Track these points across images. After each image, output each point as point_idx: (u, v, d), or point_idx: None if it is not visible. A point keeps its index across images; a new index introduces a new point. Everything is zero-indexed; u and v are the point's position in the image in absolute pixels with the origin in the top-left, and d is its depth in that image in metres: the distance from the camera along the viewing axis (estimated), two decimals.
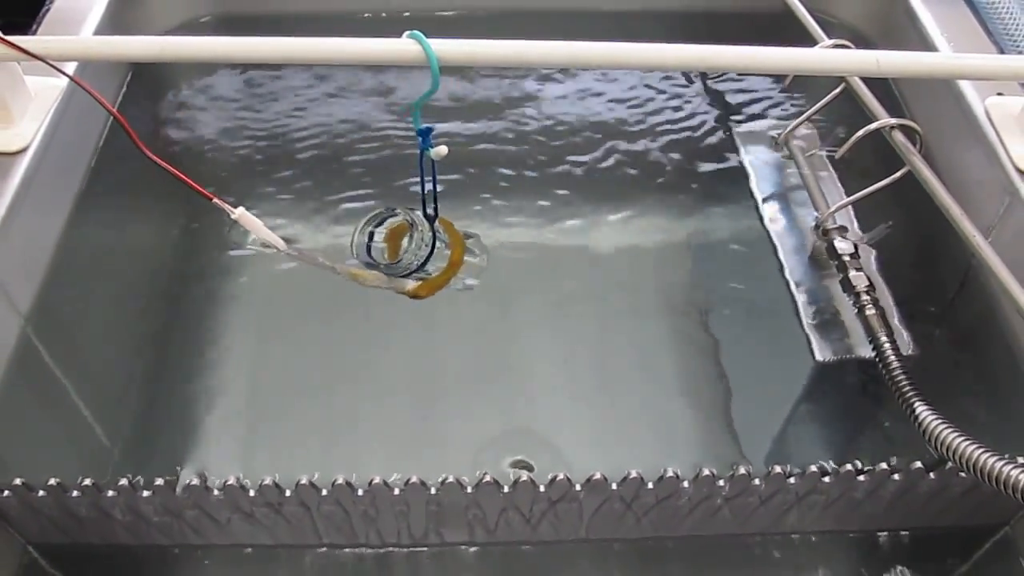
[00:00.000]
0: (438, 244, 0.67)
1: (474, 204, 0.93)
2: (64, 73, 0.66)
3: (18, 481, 0.59)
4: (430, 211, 0.67)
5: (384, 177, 0.92)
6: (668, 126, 0.98)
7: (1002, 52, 0.78)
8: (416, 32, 0.61)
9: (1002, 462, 0.55)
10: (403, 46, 0.61)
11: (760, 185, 0.84)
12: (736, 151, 0.86)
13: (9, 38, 0.63)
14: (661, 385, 0.80)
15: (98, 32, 0.83)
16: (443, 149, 0.64)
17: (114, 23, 0.86)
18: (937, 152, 0.77)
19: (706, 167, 0.94)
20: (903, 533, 0.69)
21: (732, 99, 0.99)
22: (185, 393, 0.78)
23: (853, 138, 0.70)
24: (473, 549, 0.69)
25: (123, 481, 0.59)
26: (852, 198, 0.74)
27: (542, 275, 0.89)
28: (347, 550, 0.68)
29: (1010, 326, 0.69)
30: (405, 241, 0.67)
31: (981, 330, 0.73)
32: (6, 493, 0.59)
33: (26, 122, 0.70)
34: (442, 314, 0.84)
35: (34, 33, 0.81)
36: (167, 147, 0.92)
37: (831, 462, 0.74)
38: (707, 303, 0.85)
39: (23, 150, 0.69)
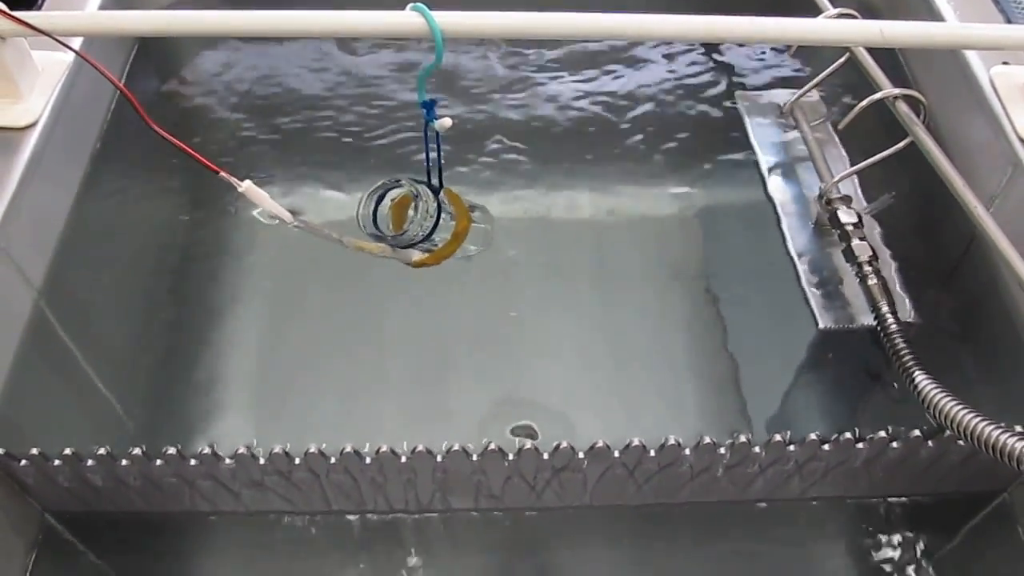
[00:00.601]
0: (443, 215, 0.68)
1: (478, 174, 0.93)
2: (71, 48, 0.66)
3: (35, 451, 0.60)
4: (435, 182, 0.67)
5: (393, 148, 0.93)
6: (673, 94, 0.98)
7: (1009, 20, 0.78)
8: (419, 4, 0.61)
9: (999, 430, 0.56)
10: (407, 19, 0.61)
11: (765, 154, 0.84)
12: (741, 120, 0.86)
13: (15, 13, 0.64)
14: (665, 352, 0.81)
15: (104, 3, 0.83)
16: (447, 121, 0.64)
17: None
18: (942, 121, 0.77)
19: (711, 136, 0.94)
20: (903, 499, 0.70)
21: (738, 67, 0.98)
22: (195, 361, 0.79)
23: (856, 108, 0.70)
24: (479, 514, 0.70)
25: (137, 451, 0.61)
26: (855, 168, 0.74)
27: (546, 245, 0.89)
28: (356, 516, 0.70)
29: (1011, 296, 0.70)
30: (410, 212, 0.68)
31: (983, 299, 0.74)
32: (24, 463, 0.61)
33: (34, 97, 0.70)
34: (448, 283, 0.84)
35: (41, 6, 0.81)
36: (175, 119, 0.93)
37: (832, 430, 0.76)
38: (711, 271, 0.86)
39: (32, 125, 0.69)
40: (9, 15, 0.64)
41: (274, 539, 0.70)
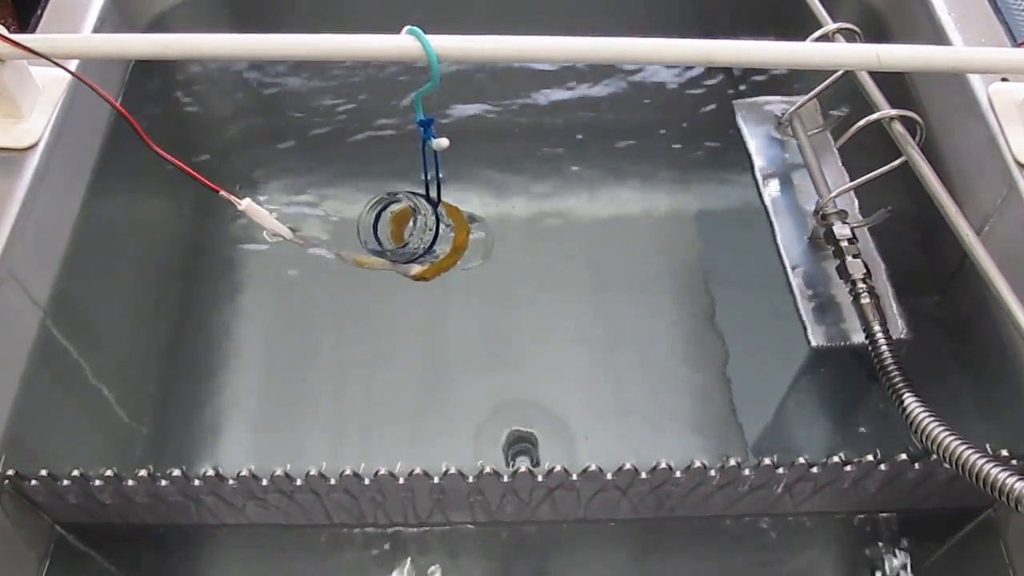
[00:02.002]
0: (443, 226, 0.69)
1: (476, 180, 0.94)
2: (69, 71, 0.67)
3: (44, 472, 0.62)
4: (433, 196, 0.68)
5: (391, 160, 0.93)
6: (671, 102, 0.97)
7: (1010, 30, 0.77)
8: (415, 28, 0.61)
9: (984, 459, 0.57)
10: (402, 42, 0.61)
11: (761, 162, 0.83)
12: (738, 129, 0.86)
13: (15, 37, 0.64)
14: (658, 365, 0.82)
15: (105, 8, 0.83)
16: (444, 141, 0.65)
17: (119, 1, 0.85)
18: (942, 136, 0.77)
19: (708, 145, 0.94)
20: (890, 514, 0.72)
21: (736, 74, 0.98)
22: (201, 373, 0.81)
23: (853, 128, 0.70)
24: (476, 528, 0.72)
25: (143, 472, 0.62)
26: (851, 184, 0.74)
27: (544, 252, 0.90)
28: (356, 529, 0.71)
29: (1001, 314, 0.70)
30: (409, 226, 0.69)
31: (974, 314, 0.74)
32: (33, 482, 0.63)
33: (35, 117, 0.71)
34: (448, 294, 0.86)
35: (42, 11, 0.81)
36: (176, 129, 0.93)
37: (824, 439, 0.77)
38: (706, 283, 0.86)
39: (34, 145, 0.70)
40: (8, 39, 0.64)
41: (279, 548, 0.72)
